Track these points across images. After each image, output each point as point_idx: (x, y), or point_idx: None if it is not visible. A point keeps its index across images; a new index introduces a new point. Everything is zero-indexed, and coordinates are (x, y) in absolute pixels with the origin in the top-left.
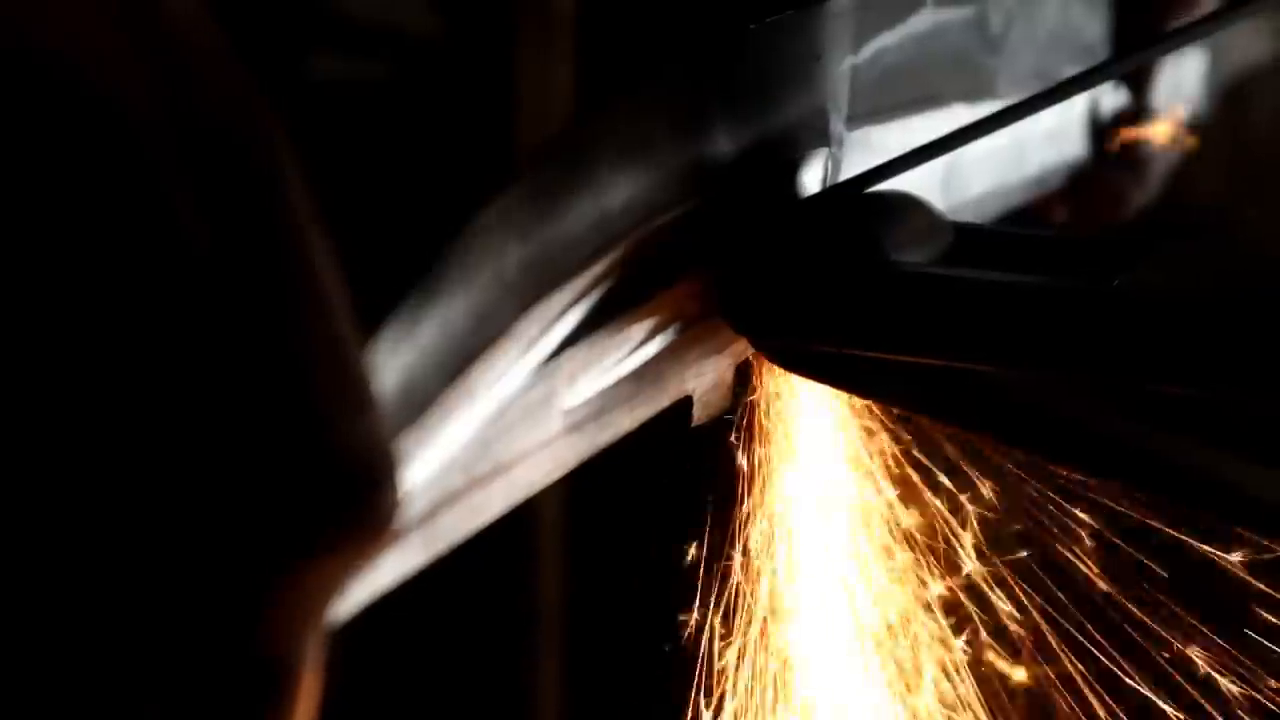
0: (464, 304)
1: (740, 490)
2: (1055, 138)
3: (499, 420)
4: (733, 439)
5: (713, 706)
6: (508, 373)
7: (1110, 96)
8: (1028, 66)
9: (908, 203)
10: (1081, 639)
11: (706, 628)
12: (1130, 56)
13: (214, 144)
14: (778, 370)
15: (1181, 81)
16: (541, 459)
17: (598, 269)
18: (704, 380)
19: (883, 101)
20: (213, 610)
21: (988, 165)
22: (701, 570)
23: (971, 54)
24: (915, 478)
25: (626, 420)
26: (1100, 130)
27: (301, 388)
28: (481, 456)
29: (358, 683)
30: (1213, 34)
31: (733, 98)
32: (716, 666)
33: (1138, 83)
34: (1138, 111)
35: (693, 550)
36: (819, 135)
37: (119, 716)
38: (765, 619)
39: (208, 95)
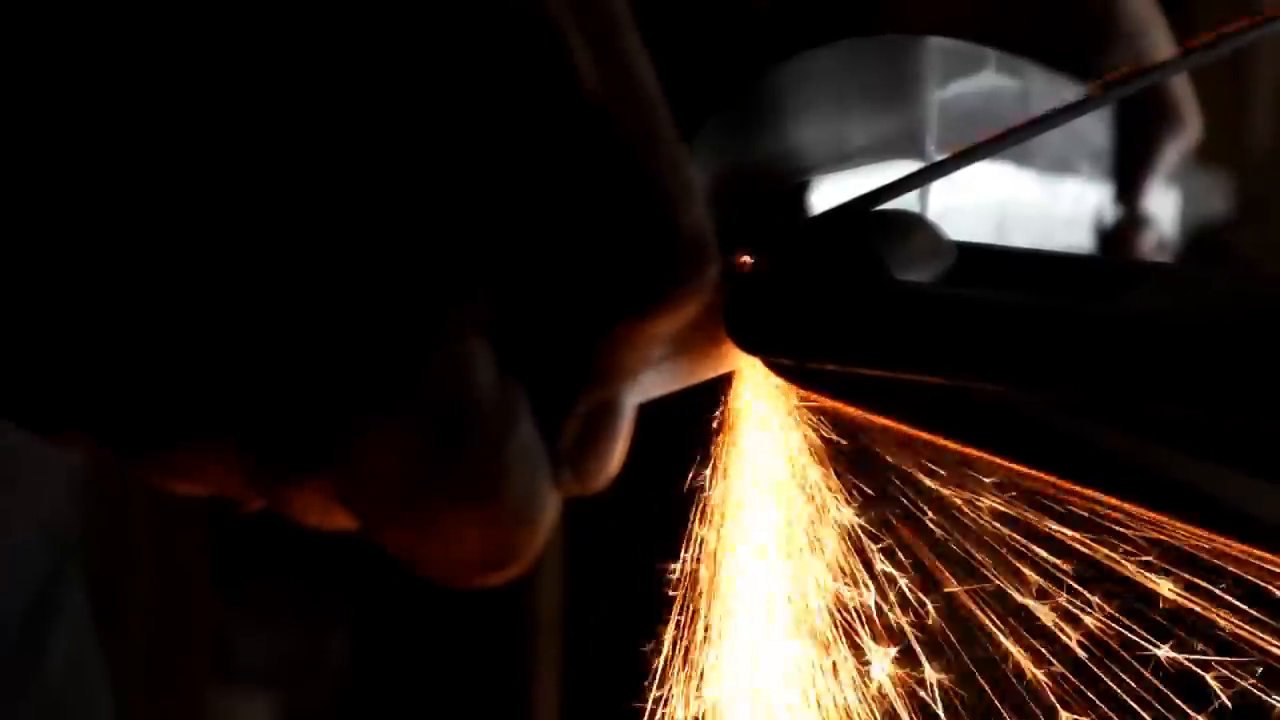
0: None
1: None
2: (1071, 225)
3: None
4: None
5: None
6: None
7: (1110, 208)
8: (1056, 150)
9: (912, 221)
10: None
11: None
12: (1124, 85)
13: None
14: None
15: (1163, 207)
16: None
17: None
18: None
19: (959, 140)
20: (578, 356)
21: (1028, 229)
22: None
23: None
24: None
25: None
26: (1102, 232)
27: (656, 179)
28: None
29: (358, 689)
30: (1200, 64)
31: (808, 101)
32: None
33: (1132, 198)
34: (1132, 222)
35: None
36: (915, 148)
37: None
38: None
39: None
